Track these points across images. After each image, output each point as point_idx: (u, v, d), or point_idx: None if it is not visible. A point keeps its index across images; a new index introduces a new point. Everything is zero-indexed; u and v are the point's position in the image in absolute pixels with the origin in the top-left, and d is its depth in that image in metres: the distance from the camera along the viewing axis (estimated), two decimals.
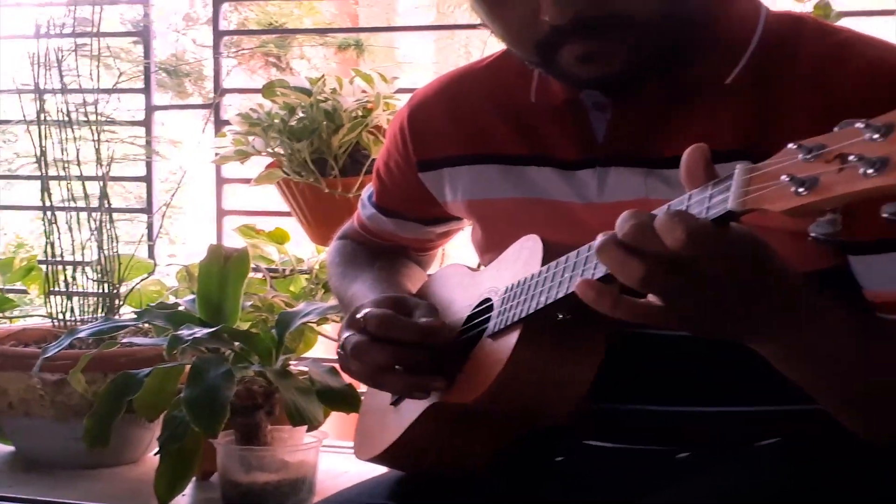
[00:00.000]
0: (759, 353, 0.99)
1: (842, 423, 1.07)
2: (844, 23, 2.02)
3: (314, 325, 2.15)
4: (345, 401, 1.98)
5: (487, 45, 2.41)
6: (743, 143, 1.09)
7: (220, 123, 2.59)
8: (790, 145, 0.80)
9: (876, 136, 0.73)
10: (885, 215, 0.73)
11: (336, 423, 2.17)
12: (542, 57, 1.12)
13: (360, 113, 2.24)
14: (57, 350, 2.09)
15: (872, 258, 1.06)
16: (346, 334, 1.19)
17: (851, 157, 0.74)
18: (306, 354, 2.20)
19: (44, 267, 2.54)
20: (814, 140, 0.78)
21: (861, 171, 0.73)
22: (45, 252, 2.53)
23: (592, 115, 1.19)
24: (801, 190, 0.77)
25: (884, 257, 1.06)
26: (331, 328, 2.21)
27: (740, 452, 1.14)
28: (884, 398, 1.04)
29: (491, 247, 1.27)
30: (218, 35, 2.65)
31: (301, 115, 2.23)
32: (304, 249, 2.46)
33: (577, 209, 1.19)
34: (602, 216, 1.11)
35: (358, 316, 1.19)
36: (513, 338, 1.10)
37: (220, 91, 2.62)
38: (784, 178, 0.78)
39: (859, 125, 0.75)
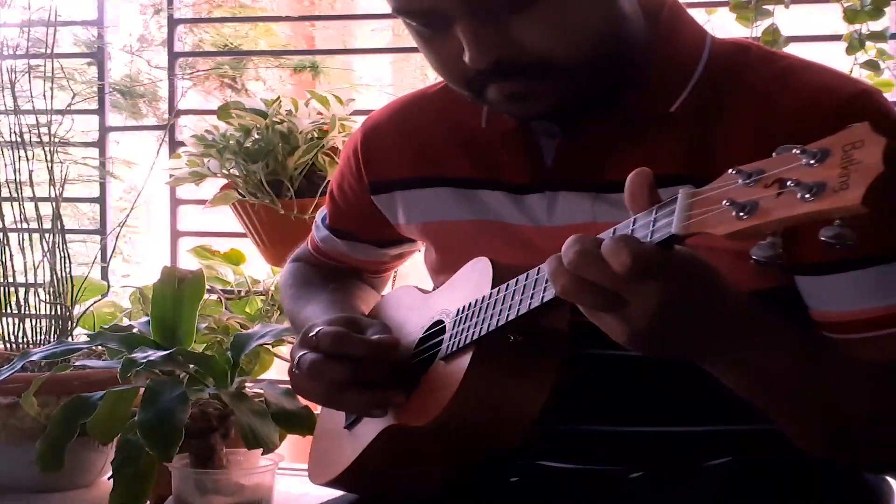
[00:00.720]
0: (709, 372, 1.01)
1: (792, 440, 1.08)
2: (793, 48, 2.07)
3: (270, 347, 2.14)
4: (301, 423, 1.97)
5: None
6: (687, 169, 1.11)
7: (174, 145, 2.58)
8: (730, 170, 0.81)
9: (812, 161, 0.75)
10: (822, 238, 0.74)
11: (292, 446, 2.17)
12: (472, 93, 1.13)
13: (315, 134, 2.25)
14: (9, 373, 2.06)
15: (819, 279, 1.08)
16: (300, 353, 1.19)
17: (789, 183, 0.75)
18: (262, 376, 2.19)
19: None
20: (753, 165, 0.80)
21: (798, 195, 0.74)
22: None
23: (542, 140, 1.20)
24: (741, 214, 0.78)
25: (830, 278, 1.07)
26: (286, 350, 2.21)
27: (691, 472, 1.15)
28: (831, 415, 1.05)
29: (445, 268, 1.28)
30: (173, 56, 2.65)
31: (256, 136, 2.24)
32: (260, 271, 2.46)
33: (528, 232, 1.20)
34: (552, 239, 1.12)
35: (310, 335, 1.18)
36: (465, 360, 1.10)
37: (174, 112, 2.62)
38: (725, 202, 0.80)
39: (796, 151, 0.77)
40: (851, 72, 2.06)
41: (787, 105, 1.08)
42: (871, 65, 2.06)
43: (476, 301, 1.13)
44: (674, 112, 1.13)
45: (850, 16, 2.03)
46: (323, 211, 1.50)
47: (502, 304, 1.07)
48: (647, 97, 1.14)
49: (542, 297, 1.00)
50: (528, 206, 1.20)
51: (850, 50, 2.05)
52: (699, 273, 0.91)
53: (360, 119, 2.28)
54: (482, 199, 1.24)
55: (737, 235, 0.79)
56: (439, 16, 1.07)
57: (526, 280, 1.04)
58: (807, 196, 0.74)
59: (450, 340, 1.15)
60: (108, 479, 1.97)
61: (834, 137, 0.76)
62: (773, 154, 0.79)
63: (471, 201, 1.25)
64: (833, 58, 2.02)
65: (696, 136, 1.12)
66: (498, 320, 1.07)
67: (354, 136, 1.39)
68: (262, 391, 2.05)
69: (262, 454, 1.99)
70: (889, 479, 1.21)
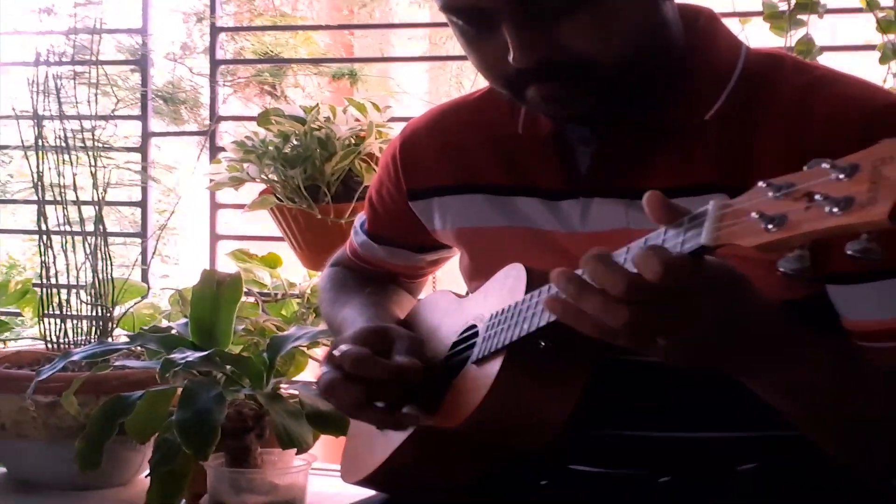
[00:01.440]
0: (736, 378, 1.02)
1: (823, 449, 1.09)
2: (826, 57, 2.07)
3: (305, 349, 2.17)
4: (334, 424, 1.99)
5: (478, 75, 2.44)
6: (720, 177, 1.12)
7: (215, 150, 2.62)
8: (760, 183, 0.82)
9: (842, 175, 0.76)
10: (849, 252, 0.75)
11: (325, 446, 2.19)
12: (512, 92, 1.15)
13: (352, 141, 2.28)
14: (50, 373, 2.10)
15: (850, 288, 1.08)
16: (323, 370, 1.21)
17: (818, 196, 0.76)
18: (297, 378, 2.22)
19: (38, 290, 2.56)
20: (783, 179, 0.81)
21: (827, 209, 0.75)
22: (40, 275, 2.55)
23: (577, 147, 1.21)
24: (770, 227, 0.79)
25: (861, 287, 1.07)
26: (321, 352, 2.23)
27: (720, 477, 1.16)
28: (862, 424, 1.06)
29: (479, 274, 1.30)
30: (214, 64, 2.69)
31: (295, 142, 2.27)
32: (296, 274, 2.49)
33: (561, 238, 1.21)
34: (585, 245, 1.13)
35: (335, 353, 1.20)
36: (496, 364, 1.11)
37: (215, 118, 2.66)
38: (754, 214, 0.80)
39: (825, 165, 0.77)
40: (885, 81, 2.06)
41: (817, 116, 1.09)
42: None
43: (509, 307, 1.14)
44: (709, 120, 1.15)
45: (884, 25, 2.03)
46: (361, 216, 1.53)
47: (534, 310, 1.08)
48: (682, 105, 1.16)
49: None
50: (562, 213, 1.21)
51: (884, 59, 2.05)
52: (732, 283, 0.92)
53: (397, 126, 2.31)
54: (516, 206, 1.25)
55: (765, 248, 0.80)
56: (486, 15, 1.09)
57: None
58: (835, 210, 0.74)
59: (482, 345, 1.16)
60: (145, 476, 1.99)
61: (864, 152, 0.76)
62: (804, 167, 0.79)
63: (505, 208, 1.26)
64: (867, 68, 2.02)
65: (730, 144, 1.13)
66: (529, 326, 1.08)
67: (393, 144, 1.41)
68: (296, 392, 2.08)
69: (296, 454, 2.01)
70: None
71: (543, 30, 1.08)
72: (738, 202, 0.84)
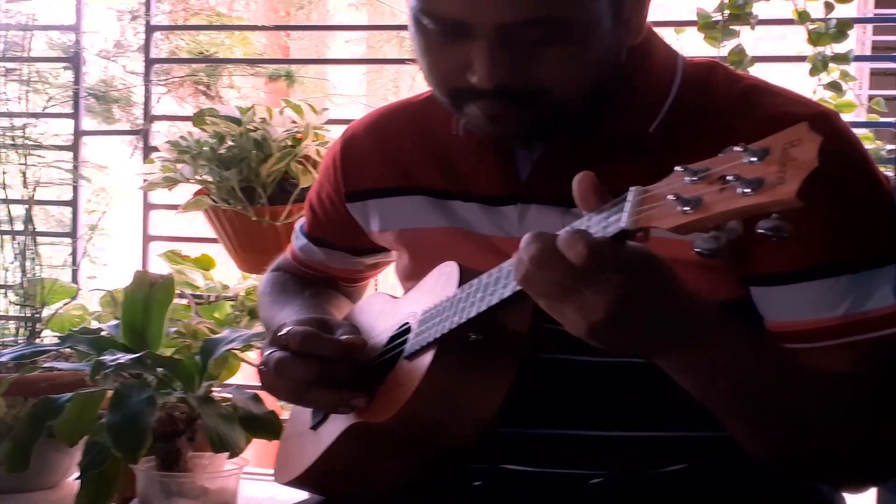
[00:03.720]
0: (665, 377, 1.03)
1: (744, 446, 1.10)
2: (758, 68, 2.11)
3: (238, 352, 2.16)
4: (267, 428, 1.99)
5: (416, 79, 2.45)
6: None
7: (148, 150, 2.59)
8: (677, 168, 0.86)
9: (753, 158, 0.79)
10: (759, 230, 0.78)
11: (257, 451, 2.18)
12: (453, 103, 1.16)
13: (289, 143, 2.27)
14: None
15: (772, 289, 1.10)
16: (269, 351, 1.21)
17: (730, 178, 0.79)
18: (229, 381, 2.20)
19: None
20: (700, 164, 0.84)
21: (739, 190, 0.78)
22: None
23: (518, 153, 1.22)
24: (686, 209, 0.82)
25: (783, 289, 1.10)
26: (255, 355, 2.22)
27: (648, 478, 1.17)
28: (784, 421, 1.07)
29: (417, 275, 1.29)
30: (149, 62, 2.67)
31: (230, 143, 2.25)
32: (230, 276, 2.47)
33: (499, 242, 1.22)
34: None
35: (280, 334, 1.20)
36: (427, 358, 1.12)
37: (149, 118, 2.63)
38: (671, 197, 0.83)
39: (738, 149, 0.81)
40: (815, 93, 2.10)
41: (747, 127, 1.11)
42: (834, 86, 2.10)
43: (440, 302, 1.15)
44: (652, 133, 1.16)
45: (815, 38, 2.07)
46: (301, 220, 1.53)
47: (465, 303, 1.09)
48: (625, 119, 1.17)
49: (503, 294, 1.02)
50: (500, 217, 1.22)
51: (814, 71, 2.10)
52: (654, 266, 0.94)
53: (334, 128, 2.31)
54: (454, 209, 1.26)
55: (681, 229, 0.82)
56: (462, 28, 1.09)
57: (488, 279, 1.07)
58: (746, 191, 0.78)
59: (414, 340, 1.17)
60: (74, 480, 1.97)
61: (773, 137, 0.80)
62: (720, 154, 0.83)
63: (444, 210, 1.27)
64: (797, 79, 2.06)
65: (670, 155, 1.14)
66: (459, 318, 1.09)
67: (334, 146, 1.41)
68: (229, 395, 2.06)
69: (228, 458, 2.00)
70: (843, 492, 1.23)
71: (515, 55, 1.09)
72: (656, 187, 0.87)
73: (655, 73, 1.19)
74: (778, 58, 2.31)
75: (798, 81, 1.96)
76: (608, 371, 1.11)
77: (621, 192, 1.03)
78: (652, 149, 1.15)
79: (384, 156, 1.33)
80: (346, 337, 1.21)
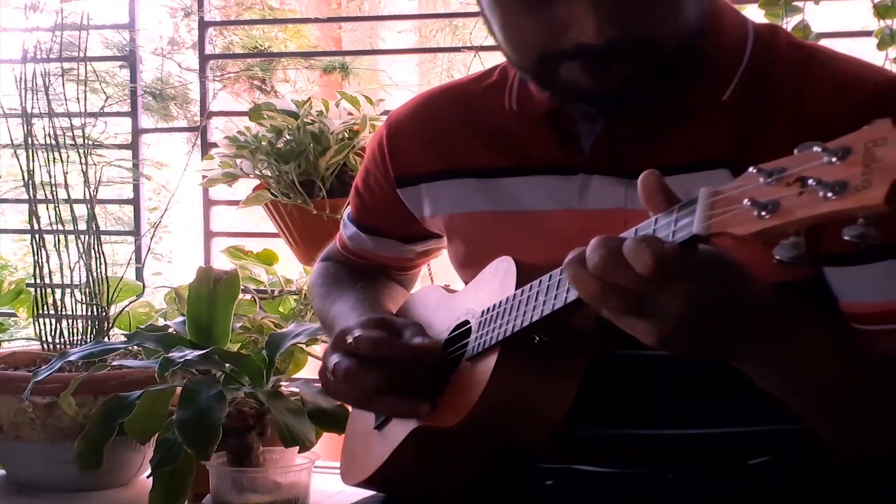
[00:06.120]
0: (741, 371, 1.01)
1: (825, 438, 1.09)
2: (823, 43, 2.06)
3: (304, 346, 2.16)
4: (336, 421, 1.99)
5: (470, 68, 2.44)
6: (730, 156, 1.11)
7: (206, 146, 2.60)
8: (751, 169, 0.81)
9: (834, 159, 0.75)
10: (846, 238, 0.74)
11: (328, 444, 2.18)
12: (541, 68, 1.13)
13: (346, 135, 2.26)
14: (48, 373, 2.09)
15: (846, 270, 1.08)
16: (335, 358, 1.19)
17: (811, 181, 0.75)
18: (297, 375, 2.21)
19: (32, 290, 2.54)
20: (774, 164, 0.80)
21: (820, 194, 0.74)
22: (34, 275, 2.53)
23: (579, 124, 1.20)
24: (763, 214, 0.78)
25: (857, 269, 1.08)
26: (320, 349, 2.22)
27: (728, 473, 1.16)
28: (861, 407, 1.06)
29: (469, 262, 1.29)
30: (204, 59, 2.67)
31: (288, 137, 2.25)
32: (293, 270, 2.47)
33: (556, 217, 1.20)
34: (580, 223, 1.13)
35: (347, 339, 1.19)
36: (491, 361, 1.11)
37: (206, 114, 2.64)
38: (746, 201, 0.79)
39: (817, 148, 0.76)
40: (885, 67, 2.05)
41: (820, 96, 1.09)
42: None
43: (501, 302, 1.13)
44: (726, 100, 1.14)
45: (882, 11, 2.02)
46: (348, 208, 1.51)
47: (526, 306, 1.08)
48: (701, 84, 1.15)
49: (566, 298, 1.00)
50: (559, 189, 1.20)
51: (882, 45, 2.05)
52: (725, 272, 0.91)
53: None
54: (507, 188, 1.24)
55: (759, 235, 0.79)
56: None
57: (549, 280, 1.05)
58: (829, 195, 0.73)
59: (475, 341, 1.15)
60: (147, 477, 1.98)
61: (855, 135, 0.75)
62: (795, 151, 0.78)
63: (493, 191, 1.25)
64: (864, 54, 2.01)
65: (741, 123, 1.12)
66: (522, 321, 1.07)
67: (379, 132, 1.40)
68: (297, 390, 2.07)
69: (299, 452, 2.00)
70: None
71: (621, 7, 1.06)
72: (728, 189, 0.83)
73: (727, 39, 1.17)
74: (843, 33, 2.26)
75: (866, 57, 1.91)
76: (679, 366, 1.08)
77: (691, 162, 1.01)
78: (727, 117, 1.13)
79: (429, 139, 1.32)
80: (418, 340, 1.19)
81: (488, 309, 1.15)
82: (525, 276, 1.11)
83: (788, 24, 2.07)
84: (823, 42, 2.05)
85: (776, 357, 0.99)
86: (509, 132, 1.25)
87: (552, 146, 1.21)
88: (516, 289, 1.12)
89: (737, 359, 0.99)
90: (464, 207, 1.28)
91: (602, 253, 0.88)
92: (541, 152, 1.22)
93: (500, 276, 1.17)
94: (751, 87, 1.14)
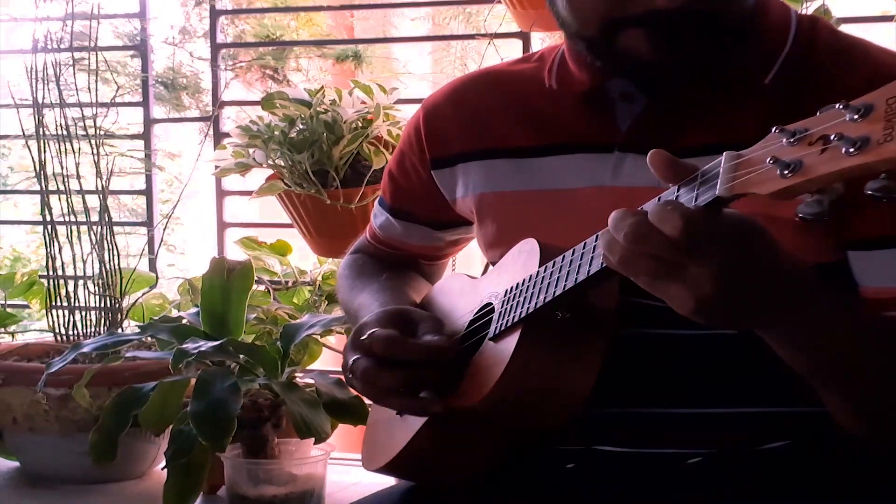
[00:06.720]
0: (764, 349, 1.00)
1: (841, 424, 1.08)
2: (843, 29, 2.04)
3: (318, 337, 2.15)
4: (352, 413, 1.98)
5: (484, 55, 2.42)
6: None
7: (218, 136, 2.59)
8: (774, 130, 0.82)
9: (856, 116, 0.76)
10: (868, 192, 0.75)
11: (343, 436, 2.17)
12: (603, 35, 1.13)
13: (360, 124, 2.25)
14: (61, 365, 2.08)
15: (872, 254, 1.08)
16: (353, 357, 1.20)
17: (833, 138, 0.76)
18: (311, 366, 2.20)
19: (45, 281, 2.54)
20: (797, 124, 0.80)
21: (843, 150, 0.75)
22: (47, 267, 2.52)
23: (617, 104, 1.21)
24: (786, 172, 0.78)
25: (882, 253, 1.07)
26: (335, 340, 2.22)
27: (748, 455, 1.15)
28: (882, 393, 1.05)
29: (497, 242, 1.29)
30: (215, 48, 2.66)
31: (301, 126, 2.24)
32: (307, 261, 2.47)
33: (588, 194, 1.20)
34: (613, 200, 1.12)
35: (363, 338, 1.19)
36: (514, 338, 1.11)
37: (218, 103, 2.63)
38: (769, 161, 0.80)
39: (839, 106, 0.77)
40: None
41: (856, 85, 1.08)
42: None
43: (524, 279, 1.13)
44: (767, 84, 1.15)
45: None
46: (380, 197, 1.52)
47: (549, 280, 1.08)
48: (743, 66, 1.16)
49: (589, 271, 1.01)
50: (593, 166, 1.20)
51: None
52: (754, 236, 0.92)
53: (404, 107, 2.28)
54: (540, 167, 1.25)
55: (782, 194, 0.79)
56: None
57: (572, 255, 1.05)
58: (851, 150, 0.74)
59: (498, 321, 1.15)
60: (162, 469, 1.98)
61: (876, 92, 0.76)
62: (818, 112, 0.80)
63: (527, 170, 1.26)
64: (884, 39, 2.00)
65: (779, 108, 1.12)
66: (545, 297, 1.07)
67: (415, 116, 1.41)
68: (312, 381, 2.06)
69: (314, 444, 1.99)
70: None
71: None
72: (750, 151, 0.84)
73: (771, 23, 1.18)
74: (864, 18, 2.25)
75: (887, 43, 1.90)
76: (703, 344, 1.09)
77: (727, 143, 1.00)
78: (766, 101, 1.14)
79: (465, 120, 1.33)
80: (430, 338, 1.19)
81: (511, 289, 1.15)
82: (548, 256, 1.11)
83: (808, 8, 2.05)
84: (843, 27, 2.04)
85: (803, 325, 0.99)
86: (546, 112, 1.26)
87: (589, 125, 1.22)
88: (539, 267, 1.12)
89: (766, 327, 0.99)
90: (496, 187, 1.29)
91: (630, 221, 0.89)
92: (577, 131, 1.23)
93: (523, 257, 1.17)
94: (792, 72, 1.15)
